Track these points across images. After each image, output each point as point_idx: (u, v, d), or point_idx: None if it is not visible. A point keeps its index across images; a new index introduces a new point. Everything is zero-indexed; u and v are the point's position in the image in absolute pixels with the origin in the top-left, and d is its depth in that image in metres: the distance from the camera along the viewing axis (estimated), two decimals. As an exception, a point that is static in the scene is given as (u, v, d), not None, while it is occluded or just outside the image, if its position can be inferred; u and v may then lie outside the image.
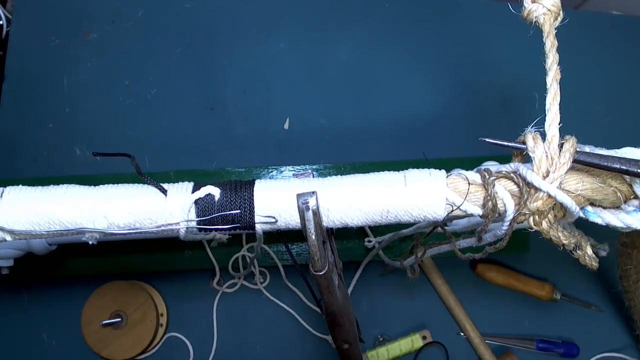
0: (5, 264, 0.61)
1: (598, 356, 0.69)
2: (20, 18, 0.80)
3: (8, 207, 0.35)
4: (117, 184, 0.37)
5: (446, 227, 0.48)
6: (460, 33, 0.81)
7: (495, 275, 0.70)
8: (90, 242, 0.38)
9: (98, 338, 0.66)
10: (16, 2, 0.80)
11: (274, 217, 0.36)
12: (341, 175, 0.37)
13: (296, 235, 0.68)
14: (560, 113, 0.33)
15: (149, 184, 0.37)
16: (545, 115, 0.34)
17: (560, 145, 0.33)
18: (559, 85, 0.34)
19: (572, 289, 0.71)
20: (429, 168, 0.36)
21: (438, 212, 0.35)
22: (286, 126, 0.77)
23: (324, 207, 0.35)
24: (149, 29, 0.80)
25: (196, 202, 0.36)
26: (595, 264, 0.36)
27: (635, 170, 0.32)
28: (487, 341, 0.68)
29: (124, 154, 0.37)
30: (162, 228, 0.36)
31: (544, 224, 0.35)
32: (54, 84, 0.77)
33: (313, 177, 0.38)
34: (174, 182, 0.37)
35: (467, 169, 0.36)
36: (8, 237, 0.36)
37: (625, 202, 0.35)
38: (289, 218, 0.36)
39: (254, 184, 0.36)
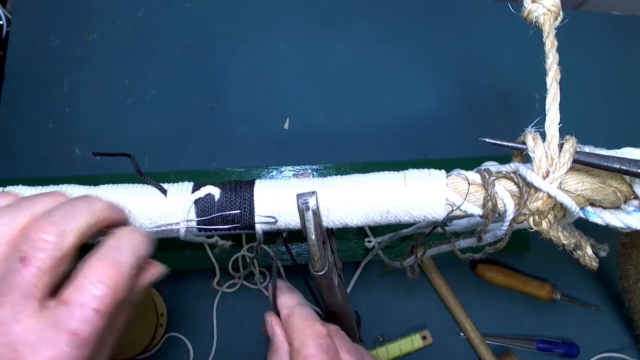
0: (5, 264, 0.61)
1: (598, 356, 0.69)
2: (20, 18, 0.80)
3: (8, 207, 0.35)
4: (117, 184, 0.38)
5: (446, 227, 0.48)
6: (460, 33, 0.82)
7: (495, 275, 0.70)
8: (90, 242, 0.38)
9: (98, 338, 0.66)
10: (16, 2, 0.80)
11: (274, 217, 0.36)
12: (341, 175, 0.37)
13: (296, 235, 0.68)
14: (560, 113, 0.34)
15: (148, 184, 0.37)
16: (545, 115, 0.34)
17: (560, 146, 0.33)
18: (558, 86, 0.34)
19: (572, 289, 0.71)
20: (429, 168, 0.36)
21: (438, 212, 0.35)
22: (286, 126, 0.77)
23: (324, 207, 0.35)
24: (149, 29, 0.80)
25: (196, 202, 0.36)
26: (595, 264, 0.36)
27: (635, 170, 0.32)
28: (487, 341, 0.68)
29: (124, 154, 0.37)
30: (162, 228, 0.36)
31: (544, 224, 0.35)
32: (54, 84, 0.77)
33: (313, 177, 0.38)
34: (173, 182, 0.37)
35: (467, 169, 0.36)
36: (8, 237, 0.36)
37: (625, 202, 0.35)
38: (289, 218, 0.36)
39: (254, 184, 0.36)
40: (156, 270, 0.35)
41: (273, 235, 0.67)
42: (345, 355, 0.37)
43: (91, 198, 0.31)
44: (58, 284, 0.29)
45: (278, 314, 0.39)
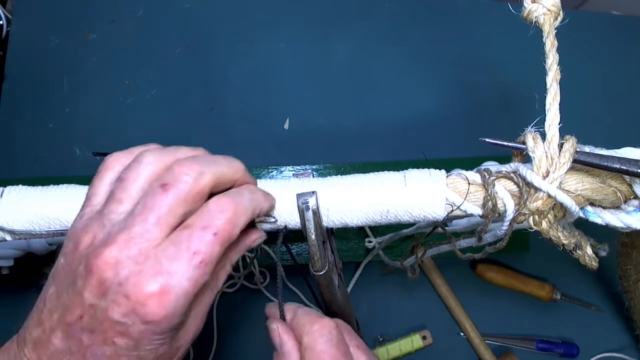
0: (5, 264, 0.61)
1: (598, 356, 0.69)
2: (20, 18, 0.80)
3: (8, 207, 0.35)
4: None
5: (446, 227, 0.48)
6: (461, 33, 0.81)
7: (495, 275, 0.70)
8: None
9: (98, 338, 0.66)
10: (16, 2, 0.80)
11: (274, 217, 0.36)
12: (341, 175, 0.37)
13: (296, 235, 0.68)
14: (560, 113, 0.34)
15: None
16: (545, 115, 0.34)
17: (560, 145, 0.33)
18: (558, 86, 0.34)
19: (572, 289, 0.71)
20: (429, 168, 0.36)
21: (438, 212, 0.35)
22: (286, 126, 0.77)
23: (324, 207, 0.35)
24: (149, 29, 0.80)
25: (196, 202, 0.36)
26: (594, 264, 0.36)
27: (635, 170, 0.32)
28: (487, 341, 0.68)
29: None
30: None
31: (544, 224, 0.35)
32: (54, 84, 0.77)
33: (313, 177, 0.38)
34: (174, 182, 0.37)
35: (467, 169, 0.36)
36: (8, 237, 0.36)
37: (625, 202, 0.35)
38: (289, 218, 0.36)
39: (254, 184, 0.36)
40: (258, 234, 0.36)
41: (273, 235, 0.67)
42: (356, 351, 0.36)
43: (231, 157, 0.34)
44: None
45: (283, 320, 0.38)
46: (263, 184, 0.36)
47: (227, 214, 0.30)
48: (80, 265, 0.29)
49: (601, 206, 0.35)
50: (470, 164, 0.40)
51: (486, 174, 0.35)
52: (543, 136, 0.33)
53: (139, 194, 0.30)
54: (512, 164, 0.35)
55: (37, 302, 0.31)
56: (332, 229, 0.38)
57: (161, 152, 0.32)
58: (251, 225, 0.35)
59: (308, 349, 0.34)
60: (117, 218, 0.29)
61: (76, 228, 0.31)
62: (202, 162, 0.30)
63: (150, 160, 0.31)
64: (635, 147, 0.34)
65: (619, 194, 0.34)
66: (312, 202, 0.34)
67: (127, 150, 0.34)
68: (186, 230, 0.29)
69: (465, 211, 0.35)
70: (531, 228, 0.35)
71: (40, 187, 0.37)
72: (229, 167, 0.32)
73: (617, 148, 0.35)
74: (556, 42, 0.34)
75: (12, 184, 0.37)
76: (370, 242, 0.67)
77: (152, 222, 0.28)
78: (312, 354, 0.34)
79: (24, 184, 0.37)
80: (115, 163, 0.33)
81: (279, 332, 0.37)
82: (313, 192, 0.34)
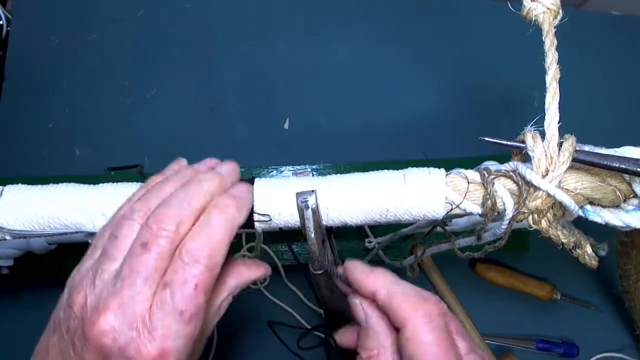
0: (5, 264, 0.61)
1: (598, 356, 0.69)
2: (20, 18, 0.80)
3: (8, 206, 0.35)
4: (117, 182, 0.38)
5: (446, 227, 0.48)
6: (460, 33, 0.82)
7: (495, 275, 0.69)
8: (90, 241, 0.38)
9: (98, 338, 0.65)
10: (16, 2, 0.80)
11: (269, 216, 0.36)
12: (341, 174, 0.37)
13: (296, 234, 0.68)
14: (559, 112, 0.34)
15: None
16: (545, 114, 0.34)
17: (560, 144, 0.33)
18: (558, 85, 0.34)
19: (572, 289, 0.71)
20: (428, 167, 0.36)
21: (437, 210, 0.35)
22: (286, 126, 0.77)
23: (324, 206, 0.35)
24: (149, 29, 0.80)
25: (195, 201, 0.36)
26: (594, 263, 0.36)
27: (635, 169, 0.32)
28: (487, 341, 0.68)
29: (134, 165, 0.39)
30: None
31: (543, 223, 0.35)
32: (54, 84, 0.77)
33: (312, 176, 0.38)
34: (173, 181, 0.37)
35: (467, 169, 0.36)
36: (8, 237, 0.36)
37: (624, 201, 0.35)
38: (289, 217, 0.36)
39: (253, 182, 0.36)
40: (259, 271, 0.36)
41: (273, 235, 0.67)
42: (459, 340, 0.33)
43: (206, 175, 0.33)
44: None
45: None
46: (262, 183, 0.36)
47: (202, 262, 0.30)
48: (78, 328, 0.29)
49: (601, 205, 0.35)
50: (470, 163, 0.40)
51: (485, 173, 0.35)
52: (543, 135, 0.33)
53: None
54: (511, 163, 0.35)
55: (40, 344, 0.33)
56: (332, 228, 0.38)
57: (147, 197, 0.32)
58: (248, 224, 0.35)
59: (410, 339, 0.30)
60: (108, 278, 0.30)
61: (73, 280, 0.32)
62: (177, 208, 0.30)
63: (135, 218, 0.31)
64: (634, 146, 0.34)
65: (618, 192, 0.34)
66: (311, 201, 0.34)
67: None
68: (168, 290, 0.29)
69: (464, 210, 0.35)
70: (530, 227, 0.35)
71: (39, 186, 0.37)
72: (203, 194, 0.32)
73: (617, 147, 0.35)
74: (555, 41, 0.34)
75: (12, 184, 0.37)
76: (370, 242, 0.67)
77: (140, 284, 0.29)
78: (416, 345, 0.30)
79: (23, 183, 0.37)
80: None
81: (362, 306, 0.34)
82: (312, 191, 0.34)
